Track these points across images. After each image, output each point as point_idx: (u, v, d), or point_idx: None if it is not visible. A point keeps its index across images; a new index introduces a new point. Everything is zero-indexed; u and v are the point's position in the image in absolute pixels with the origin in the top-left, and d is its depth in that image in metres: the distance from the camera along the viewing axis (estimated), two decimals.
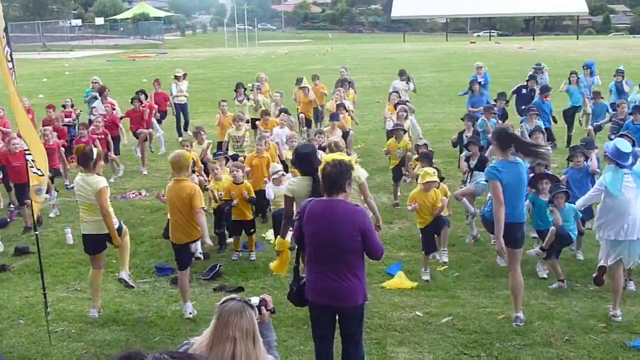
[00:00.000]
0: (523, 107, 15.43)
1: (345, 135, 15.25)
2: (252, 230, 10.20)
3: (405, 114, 13.72)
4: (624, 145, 7.62)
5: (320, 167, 5.87)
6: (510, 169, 7.15)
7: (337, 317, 5.82)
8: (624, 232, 7.45)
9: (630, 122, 13.09)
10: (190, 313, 8.11)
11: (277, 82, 26.64)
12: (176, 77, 18.93)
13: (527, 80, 17.50)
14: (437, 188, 9.43)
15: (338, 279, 5.54)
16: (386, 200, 12.75)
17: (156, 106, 17.28)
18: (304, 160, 7.37)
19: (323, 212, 5.58)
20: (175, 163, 7.98)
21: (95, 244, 8.11)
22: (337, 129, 13.49)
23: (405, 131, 12.73)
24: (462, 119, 13.51)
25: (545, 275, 9.10)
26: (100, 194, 7.78)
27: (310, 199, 5.99)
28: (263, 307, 4.19)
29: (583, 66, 18.01)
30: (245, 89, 17.50)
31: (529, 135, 11.50)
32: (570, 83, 16.80)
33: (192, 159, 10.72)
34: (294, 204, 7.14)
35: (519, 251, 7.55)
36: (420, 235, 9.56)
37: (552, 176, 9.26)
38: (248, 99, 17.00)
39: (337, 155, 6.67)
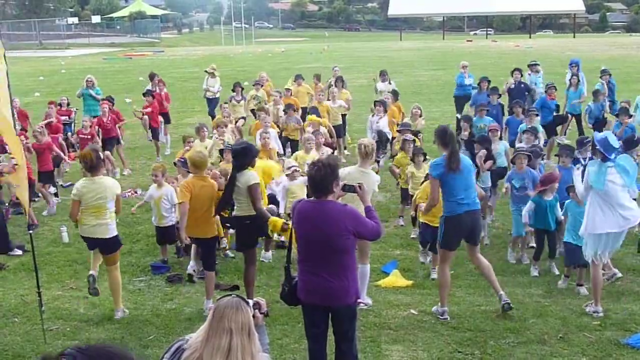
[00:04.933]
0: (515, 101, 15.23)
1: (337, 129, 15.28)
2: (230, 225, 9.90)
3: (419, 111, 13.70)
4: (614, 139, 7.72)
5: (308, 168, 6.05)
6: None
7: (329, 316, 5.85)
8: (618, 224, 7.51)
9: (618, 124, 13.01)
10: None
11: (273, 80, 26.58)
12: (206, 71, 19.98)
13: (512, 73, 17.39)
14: None
15: (330, 278, 5.59)
16: (382, 198, 12.76)
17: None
18: (233, 156, 8.08)
19: (312, 213, 5.65)
20: (198, 161, 8.12)
21: (90, 245, 8.12)
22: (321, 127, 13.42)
23: (411, 131, 12.50)
24: (458, 119, 13.42)
25: (537, 274, 9.14)
26: (118, 197, 7.99)
27: (300, 199, 6.10)
28: (256, 310, 4.18)
29: (570, 64, 17.95)
30: (243, 89, 17.40)
31: (522, 133, 11.52)
32: (571, 86, 16.66)
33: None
34: None
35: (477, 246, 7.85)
36: (420, 229, 9.60)
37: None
38: (244, 99, 16.97)
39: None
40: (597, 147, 7.57)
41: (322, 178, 5.54)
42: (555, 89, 15.67)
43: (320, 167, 5.56)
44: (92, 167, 7.82)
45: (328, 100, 15.74)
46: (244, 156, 7.96)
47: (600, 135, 7.77)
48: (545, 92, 15.76)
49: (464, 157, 7.81)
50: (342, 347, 5.94)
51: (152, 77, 18.97)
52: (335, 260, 5.60)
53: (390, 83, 18.00)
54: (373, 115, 14.22)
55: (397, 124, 13.73)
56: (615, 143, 7.66)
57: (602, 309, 7.79)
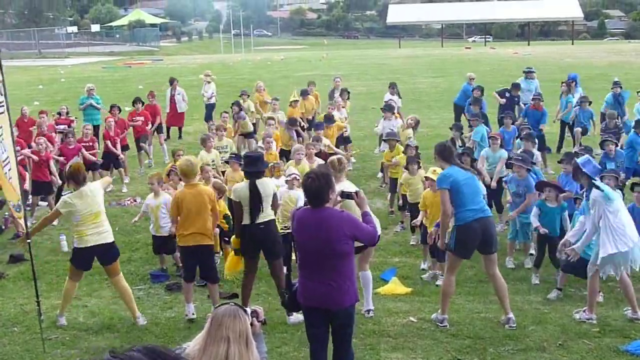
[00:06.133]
0: (502, 114, 15.08)
1: (346, 139, 15.36)
2: (227, 239, 9.87)
3: (412, 122, 13.72)
4: (594, 160, 8.02)
5: (302, 179, 6.20)
6: (459, 171, 7.52)
7: (329, 318, 6.00)
8: (627, 239, 7.48)
9: (635, 135, 12.86)
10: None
11: (272, 88, 26.64)
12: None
13: (511, 86, 17.42)
14: None
15: (329, 283, 5.76)
16: (380, 205, 12.76)
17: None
18: (248, 164, 8.08)
19: (312, 220, 5.81)
20: (186, 169, 8.06)
21: (91, 259, 8.09)
22: (323, 137, 13.44)
23: (397, 140, 12.65)
24: (450, 128, 13.50)
25: (538, 282, 9.13)
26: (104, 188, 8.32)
27: (299, 207, 6.24)
28: (254, 319, 4.18)
29: (568, 79, 17.90)
30: (242, 109, 16.94)
31: (520, 139, 11.63)
32: (562, 94, 16.67)
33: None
34: (241, 207, 7.96)
35: (493, 255, 7.70)
36: (421, 230, 9.65)
37: (552, 184, 9.28)
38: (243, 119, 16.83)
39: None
40: (584, 172, 7.60)
41: (317, 188, 5.72)
42: (542, 100, 15.55)
43: (314, 178, 5.75)
44: (81, 180, 7.90)
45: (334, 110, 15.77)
46: (255, 164, 8.03)
47: (582, 160, 7.80)
48: (532, 101, 15.71)
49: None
50: (340, 346, 6.10)
51: (171, 82, 19.52)
52: (334, 265, 5.76)
53: (399, 97, 17.96)
54: (385, 120, 14.30)
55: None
56: (596, 164, 7.81)
57: (596, 317, 7.78)
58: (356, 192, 6.28)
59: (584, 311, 7.86)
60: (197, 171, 8.42)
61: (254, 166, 8.07)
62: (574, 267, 8.35)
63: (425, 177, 9.55)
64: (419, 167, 10.77)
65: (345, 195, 6.27)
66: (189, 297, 8.28)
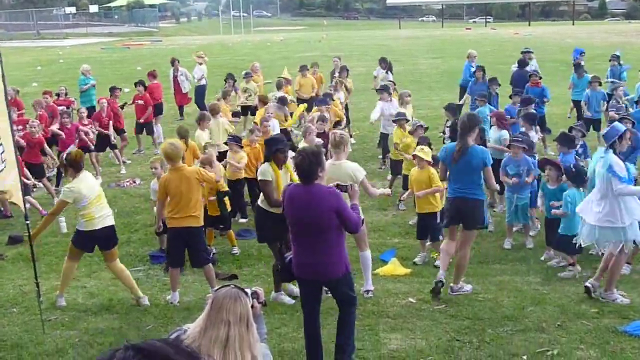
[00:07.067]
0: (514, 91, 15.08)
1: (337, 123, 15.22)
2: (223, 226, 9.94)
3: (408, 98, 13.59)
4: (616, 127, 7.78)
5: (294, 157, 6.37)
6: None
7: (321, 290, 6.39)
8: (597, 215, 7.57)
9: (638, 112, 12.79)
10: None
11: (271, 69, 26.53)
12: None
13: (518, 66, 17.41)
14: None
15: (319, 255, 6.07)
16: (380, 186, 12.71)
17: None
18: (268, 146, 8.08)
19: (301, 196, 6.09)
20: (170, 153, 7.98)
21: (94, 243, 8.13)
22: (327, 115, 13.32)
23: (407, 120, 12.44)
24: (444, 108, 13.31)
25: (543, 258, 9.25)
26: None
27: (289, 183, 6.76)
28: (254, 300, 4.17)
29: (576, 54, 17.80)
30: (235, 81, 17.25)
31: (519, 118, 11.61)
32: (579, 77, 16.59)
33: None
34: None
35: (470, 233, 8.04)
36: (416, 219, 9.63)
37: (554, 163, 9.25)
38: (236, 91, 16.90)
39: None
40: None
41: (308, 166, 5.97)
42: (540, 78, 15.47)
43: (304, 157, 6.01)
44: (80, 167, 7.96)
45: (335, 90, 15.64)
46: (268, 147, 8.05)
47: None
48: (529, 78, 15.62)
49: (478, 152, 7.70)
50: (343, 309, 6.39)
51: (173, 62, 19.71)
52: (323, 238, 6.03)
53: (387, 73, 17.73)
54: (382, 101, 14.21)
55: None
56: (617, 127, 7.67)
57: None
58: (350, 186, 6.68)
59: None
60: (182, 155, 8.31)
61: (265, 149, 8.21)
62: (560, 244, 8.61)
63: (414, 155, 9.48)
64: (430, 148, 10.70)
65: (340, 188, 6.55)
66: (175, 284, 8.24)
